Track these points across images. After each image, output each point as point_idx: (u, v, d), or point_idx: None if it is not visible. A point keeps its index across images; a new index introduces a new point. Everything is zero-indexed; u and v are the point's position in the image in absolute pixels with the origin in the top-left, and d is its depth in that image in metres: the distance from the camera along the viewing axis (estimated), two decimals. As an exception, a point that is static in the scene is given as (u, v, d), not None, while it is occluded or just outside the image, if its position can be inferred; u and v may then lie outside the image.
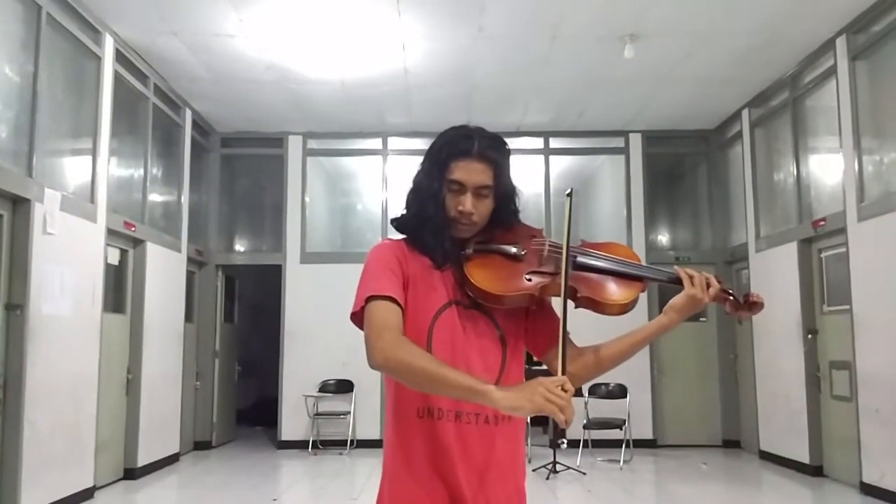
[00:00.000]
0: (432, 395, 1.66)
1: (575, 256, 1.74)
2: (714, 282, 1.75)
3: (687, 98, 8.52)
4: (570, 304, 1.70)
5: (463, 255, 1.74)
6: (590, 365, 1.77)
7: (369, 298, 1.65)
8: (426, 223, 1.74)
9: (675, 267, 1.77)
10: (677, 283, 1.75)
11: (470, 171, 1.71)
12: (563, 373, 1.53)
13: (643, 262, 1.80)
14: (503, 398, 1.47)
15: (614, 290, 1.74)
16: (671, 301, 1.75)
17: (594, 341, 1.81)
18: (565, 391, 1.45)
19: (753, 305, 1.76)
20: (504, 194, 1.77)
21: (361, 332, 1.67)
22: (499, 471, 1.71)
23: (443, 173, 1.72)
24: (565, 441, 1.67)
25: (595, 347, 1.78)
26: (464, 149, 1.72)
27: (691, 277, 1.74)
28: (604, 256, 1.77)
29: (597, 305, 1.73)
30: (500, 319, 1.76)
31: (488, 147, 1.73)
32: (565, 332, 1.62)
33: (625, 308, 1.74)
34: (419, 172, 1.79)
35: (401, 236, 1.81)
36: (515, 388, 1.50)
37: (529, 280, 1.71)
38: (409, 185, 1.82)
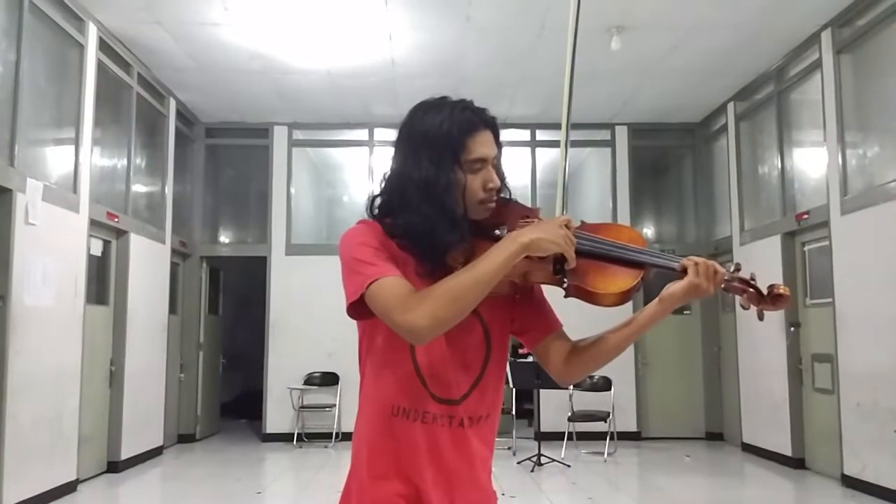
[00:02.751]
0: (408, 395, 1.59)
1: None
2: (720, 269, 1.56)
3: (673, 91, 8.54)
4: (560, 292, 1.59)
5: None
6: (585, 361, 1.65)
7: (369, 284, 1.48)
8: (443, 219, 1.52)
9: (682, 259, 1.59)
10: (681, 271, 1.56)
11: (487, 143, 1.58)
12: (564, 210, 1.55)
13: (649, 249, 1.60)
14: (543, 237, 1.46)
15: (609, 279, 1.55)
16: (670, 288, 1.57)
17: (584, 332, 1.70)
18: (568, 228, 1.49)
19: (778, 299, 1.54)
20: (500, 159, 1.63)
21: (347, 325, 1.59)
22: (468, 474, 1.63)
23: (459, 156, 1.54)
24: (565, 282, 1.53)
25: (587, 343, 1.66)
26: (472, 121, 1.57)
27: (696, 265, 1.55)
28: (601, 241, 1.58)
29: (588, 295, 1.55)
30: (483, 311, 1.60)
31: (487, 115, 1.62)
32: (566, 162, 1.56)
33: (620, 298, 1.55)
34: (416, 164, 1.56)
35: (368, 221, 1.65)
36: (541, 227, 1.49)
37: (514, 266, 1.49)
38: (404, 185, 1.58)
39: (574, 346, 1.67)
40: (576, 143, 10.21)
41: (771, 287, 1.55)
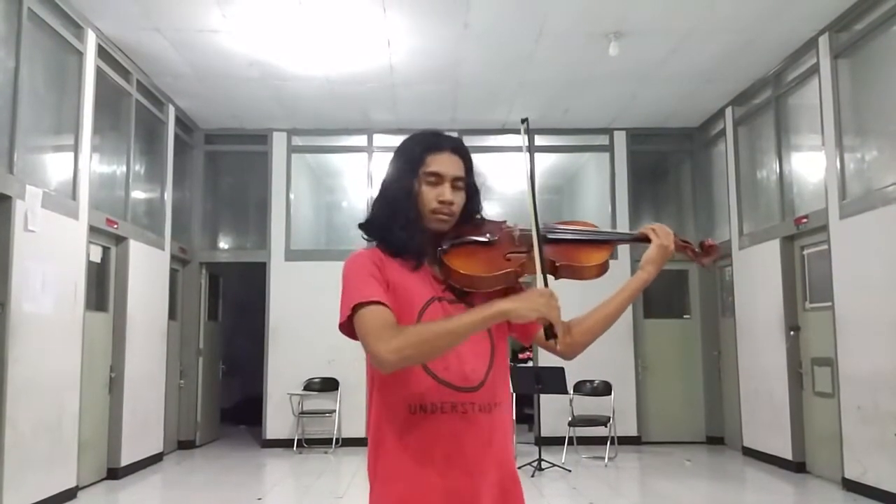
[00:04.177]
0: (423, 391, 1.68)
1: (545, 234, 1.84)
2: (669, 230, 1.91)
3: (671, 96, 8.55)
4: (551, 277, 1.80)
5: (440, 251, 1.79)
6: (583, 331, 1.85)
7: (357, 307, 1.65)
8: (397, 219, 1.76)
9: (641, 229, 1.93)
10: (645, 240, 1.90)
11: (446, 163, 1.79)
12: (546, 284, 1.70)
13: (606, 229, 1.95)
14: (520, 306, 1.61)
15: (588, 254, 1.86)
16: (645, 255, 1.89)
17: (579, 311, 1.89)
18: (554, 299, 1.64)
19: (710, 249, 1.94)
20: (473, 188, 1.85)
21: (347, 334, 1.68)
22: (494, 457, 1.73)
23: (417, 168, 1.78)
24: (557, 344, 1.74)
25: (586, 314, 1.87)
26: (439, 143, 1.81)
27: (654, 230, 1.89)
28: (571, 229, 1.90)
29: (575, 271, 1.84)
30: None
31: (458, 142, 1.85)
32: (540, 243, 1.73)
33: (601, 269, 1.85)
34: (388, 175, 1.84)
35: (371, 244, 1.84)
36: (521, 297, 1.65)
37: (509, 259, 1.79)
38: (377, 191, 1.86)
39: (571, 322, 1.86)
40: (575, 149, 10.24)
41: (702, 242, 1.96)
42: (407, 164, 1.79)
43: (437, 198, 1.76)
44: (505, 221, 1.89)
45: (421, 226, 1.77)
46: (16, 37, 5.56)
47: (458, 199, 1.79)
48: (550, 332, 1.65)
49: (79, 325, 6.34)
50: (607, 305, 1.87)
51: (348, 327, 1.69)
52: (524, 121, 1.94)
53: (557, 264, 1.83)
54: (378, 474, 1.73)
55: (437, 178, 1.77)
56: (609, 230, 1.91)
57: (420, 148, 1.80)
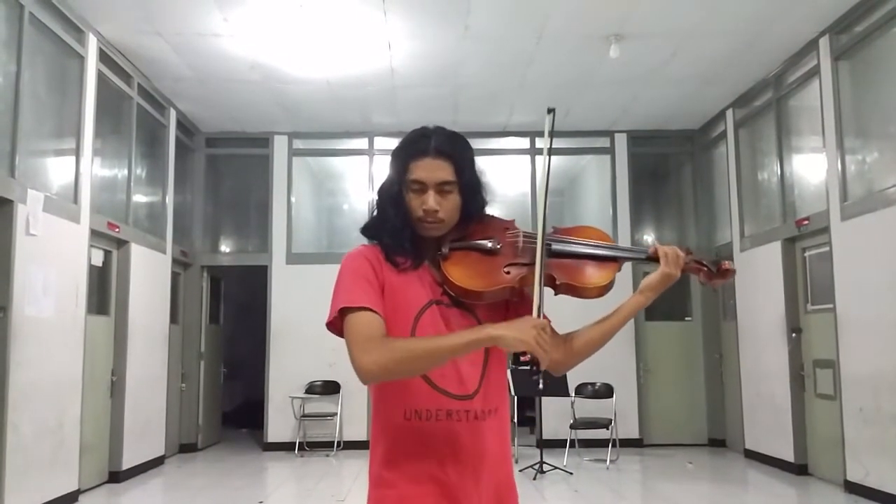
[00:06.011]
0: (418, 398, 1.67)
1: (550, 245, 1.76)
2: (682, 253, 1.79)
3: (672, 98, 8.55)
4: (550, 291, 1.73)
5: (440, 255, 1.74)
6: (573, 351, 1.78)
7: (345, 310, 1.64)
8: (385, 226, 1.76)
9: (653, 244, 1.81)
10: (654, 260, 1.79)
11: (429, 169, 1.72)
12: (540, 314, 1.60)
13: (617, 243, 1.83)
14: (509, 335, 1.53)
15: (591, 274, 1.76)
16: (646, 280, 1.79)
17: (575, 325, 1.82)
18: (546, 333, 1.55)
19: (727, 273, 1.83)
20: (469, 188, 1.76)
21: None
22: (489, 465, 1.72)
23: (403, 176, 1.74)
24: (541, 383, 1.63)
25: (576, 333, 1.79)
26: (421, 148, 1.74)
27: (667, 255, 1.77)
28: (578, 241, 1.80)
29: (575, 290, 1.76)
30: (481, 314, 1.76)
31: (445, 142, 1.75)
32: (541, 277, 1.65)
33: (603, 290, 1.76)
34: (383, 181, 1.82)
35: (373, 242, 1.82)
36: (514, 325, 1.56)
37: (508, 273, 1.72)
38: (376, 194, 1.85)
39: (565, 338, 1.79)
40: (576, 151, 10.23)
41: (718, 264, 1.83)
42: (394, 172, 1.78)
43: (422, 206, 1.72)
44: (513, 221, 1.82)
45: (409, 233, 1.75)
46: (17, 41, 5.57)
47: (448, 203, 1.72)
48: (534, 366, 1.56)
49: (80, 329, 6.35)
50: (598, 328, 1.78)
51: (335, 326, 1.68)
52: (551, 110, 1.86)
53: (558, 282, 1.74)
54: (374, 479, 1.73)
55: (421, 186, 1.72)
56: (619, 245, 1.81)
57: (404, 154, 1.75)
